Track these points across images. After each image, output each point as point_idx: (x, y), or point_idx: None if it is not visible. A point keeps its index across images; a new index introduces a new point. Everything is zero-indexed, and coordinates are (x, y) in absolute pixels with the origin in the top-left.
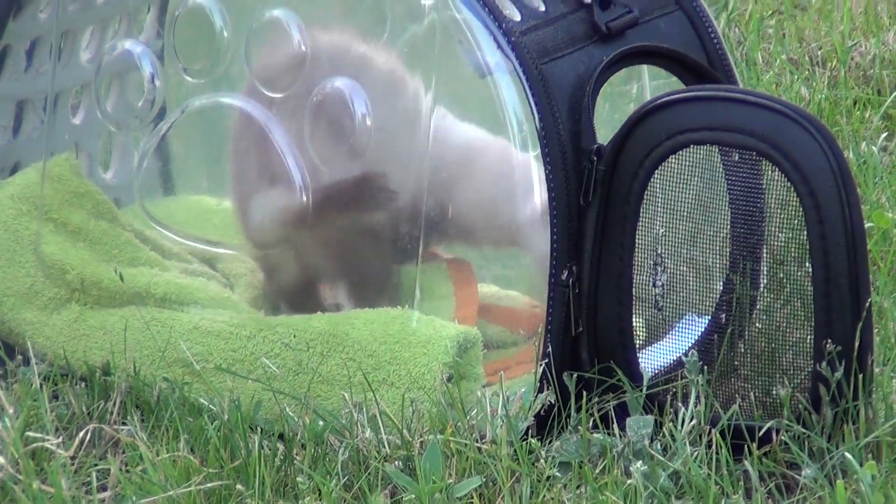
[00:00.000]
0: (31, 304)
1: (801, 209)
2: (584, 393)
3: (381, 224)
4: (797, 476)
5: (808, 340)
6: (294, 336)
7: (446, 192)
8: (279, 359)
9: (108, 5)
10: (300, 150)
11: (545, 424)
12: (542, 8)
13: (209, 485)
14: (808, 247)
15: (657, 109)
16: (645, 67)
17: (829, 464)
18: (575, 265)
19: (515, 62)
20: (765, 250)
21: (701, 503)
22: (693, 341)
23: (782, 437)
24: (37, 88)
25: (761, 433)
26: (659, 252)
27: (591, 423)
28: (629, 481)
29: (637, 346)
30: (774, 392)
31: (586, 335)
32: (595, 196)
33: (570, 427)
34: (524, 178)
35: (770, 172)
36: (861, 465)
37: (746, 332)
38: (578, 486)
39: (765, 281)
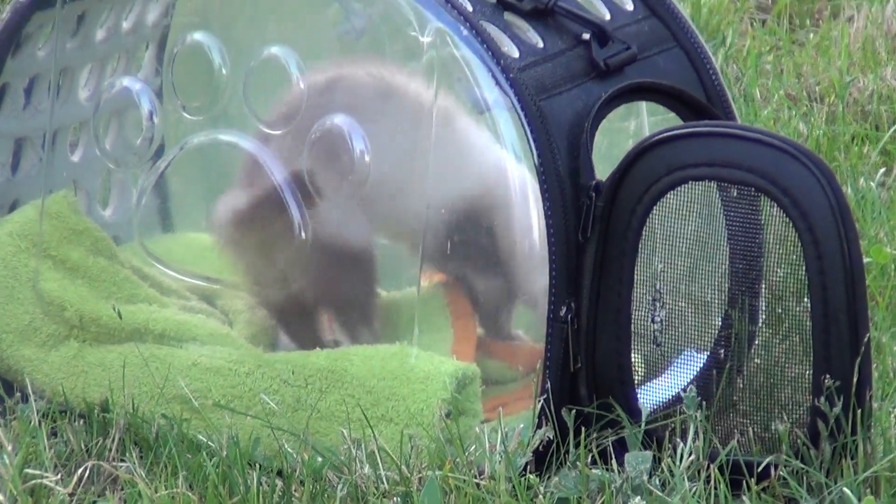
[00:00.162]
0: (29, 340)
1: (799, 245)
2: (583, 428)
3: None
4: None
5: (806, 376)
6: (293, 372)
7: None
8: (278, 395)
9: (107, 43)
10: (298, 187)
11: (544, 460)
12: (541, 44)
13: None
14: (806, 282)
15: (656, 145)
16: (643, 104)
17: (827, 499)
18: (573, 301)
19: (514, 98)
20: (763, 286)
21: None
22: (692, 377)
23: (781, 473)
24: (35, 126)
25: (760, 468)
26: (657, 288)
27: (589, 459)
28: None
29: (636, 381)
30: (773, 427)
31: (585, 371)
32: (594, 232)
33: (568, 463)
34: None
35: (768, 208)
36: (859, 501)
37: (745, 368)
38: None
39: (763, 316)
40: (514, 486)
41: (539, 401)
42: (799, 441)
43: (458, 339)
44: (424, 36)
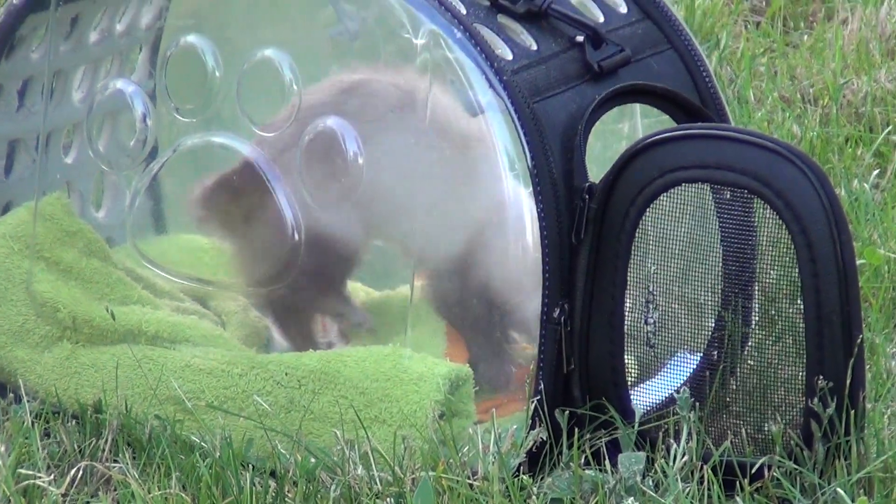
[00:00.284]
0: (22, 342)
1: (792, 247)
2: (576, 429)
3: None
4: None
5: (799, 377)
6: (286, 374)
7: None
8: (271, 396)
9: (100, 45)
10: (292, 189)
11: (537, 461)
12: (534, 47)
13: None
14: (799, 284)
15: (649, 148)
16: (637, 106)
17: (820, 499)
18: (567, 303)
19: (507, 101)
20: (757, 288)
21: None
22: (685, 378)
23: (774, 473)
24: (29, 128)
25: (753, 469)
26: (651, 290)
27: (582, 460)
28: None
29: (629, 383)
30: (766, 428)
31: (578, 373)
32: (587, 234)
33: (562, 463)
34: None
35: (762, 210)
36: (853, 501)
37: (738, 369)
38: None
39: (756, 318)
40: (507, 487)
41: (532, 402)
42: (792, 442)
43: (451, 341)
44: (418, 38)
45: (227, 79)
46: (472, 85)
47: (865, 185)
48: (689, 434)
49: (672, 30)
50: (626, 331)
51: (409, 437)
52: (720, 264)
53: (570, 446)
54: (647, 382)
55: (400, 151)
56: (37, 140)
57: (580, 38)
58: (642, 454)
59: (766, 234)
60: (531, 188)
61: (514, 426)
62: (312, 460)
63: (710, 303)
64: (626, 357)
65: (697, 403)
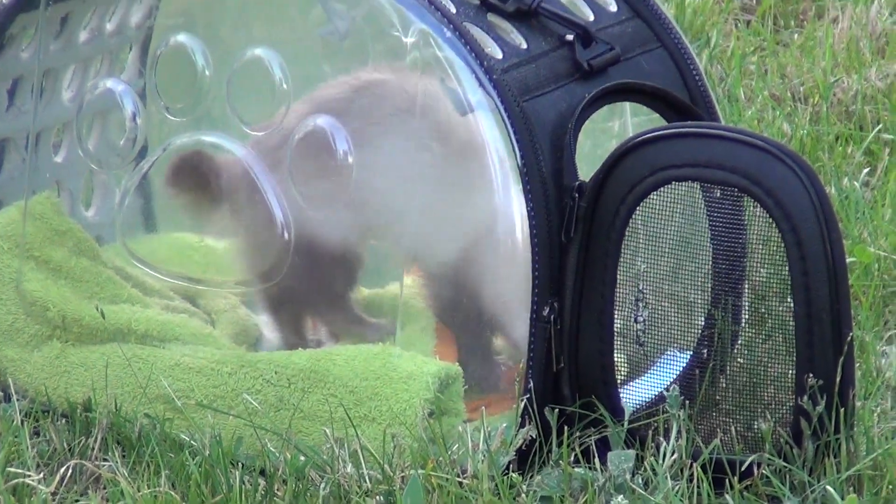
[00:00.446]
0: (12, 341)
1: (782, 245)
2: (566, 428)
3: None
4: None
5: (789, 375)
6: (275, 372)
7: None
8: (261, 395)
9: (90, 44)
10: (282, 188)
11: (526, 459)
12: (524, 45)
13: None
14: (789, 282)
15: (639, 146)
16: (627, 104)
17: (810, 497)
18: (556, 301)
19: (497, 100)
20: (746, 286)
21: None
22: (675, 376)
23: (764, 471)
24: (19, 127)
25: (743, 467)
26: (640, 288)
27: (572, 458)
28: None
29: (619, 381)
30: (756, 426)
31: (568, 371)
32: (577, 232)
33: (551, 461)
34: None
35: (752, 208)
36: (842, 499)
37: (728, 367)
38: None
39: (746, 316)
40: (496, 485)
41: (522, 400)
42: (782, 440)
43: (441, 340)
44: (408, 37)
45: (217, 78)
46: (461, 84)
47: (855, 183)
48: (679, 432)
49: (662, 28)
50: (615, 329)
51: (399, 436)
52: (710, 262)
53: (559, 444)
54: (637, 380)
55: (402, 154)
56: (26, 139)
57: (570, 37)
58: (632, 452)
59: (756, 232)
60: (521, 187)
61: (504, 424)
62: (302, 458)
63: (699, 301)
64: (615, 355)
65: (687, 401)
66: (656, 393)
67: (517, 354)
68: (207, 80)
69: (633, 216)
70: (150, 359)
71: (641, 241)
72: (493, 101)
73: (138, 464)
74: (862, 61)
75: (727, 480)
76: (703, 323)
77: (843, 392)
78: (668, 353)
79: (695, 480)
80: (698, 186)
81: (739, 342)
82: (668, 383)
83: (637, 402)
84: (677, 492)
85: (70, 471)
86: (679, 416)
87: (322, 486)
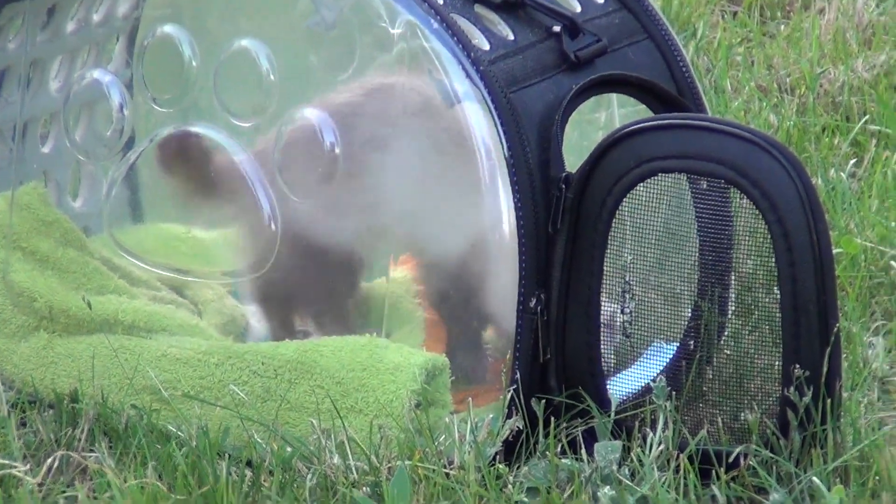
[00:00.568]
0: None
1: (769, 236)
2: (553, 419)
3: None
4: (765, 501)
5: (776, 366)
6: (262, 363)
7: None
8: (247, 386)
9: (77, 35)
10: (269, 180)
11: (513, 450)
12: (511, 37)
13: None
14: (776, 273)
15: (626, 137)
16: (614, 95)
17: (796, 488)
18: (543, 293)
19: (484, 91)
20: (733, 277)
21: None
22: (661, 368)
23: (750, 462)
24: (5, 118)
25: (729, 458)
26: (627, 279)
27: (559, 449)
28: None
29: (605, 372)
30: (742, 417)
31: (554, 362)
32: (563, 224)
33: (538, 452)
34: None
35: (738, 200)
36: (829, 490)
37: (715, 358)
38: None
39: (733, 307)
40: (483, 476)
41: (509, 391)
42: (768, 431)
43: (430, 332)
44: (395, 28)
45: (205, 69)
46: (448, 75)
47: (842, 174)
48: (666, 423)
49: (649, 19)
50: (602, 320)
51: (386, 427)
52: (697, 254)
53: (546, 435)
54: (624, 372)
55: (415, 157)
56: (13, 130)
57: (557, 29)
58: (618, 443)
59: (742, 223)
60: (508, 178)
61: (491, 415)
62: (289, 449)
63: (686, 292)
64: (602, 346)
65: (674, 392)
66: (643, 384)
67: (506, 346)
68: (194, 71)
69: (620, 207)
70: (136, 350)
71: (628, 232)
72: (480, 92)
73: (125, 455)
74: (849, 52)
75: (714, 471)
76: (689, 314)
77: (829, 383)
78: (655, 344)
79: (681, 471)
80: (685, 178)
81: (726, 333)
82: (655, 374)
83: (624, 393)
84: (664, 483)
85: (56, 462)
86: (666, 407)
87: (309, 477)
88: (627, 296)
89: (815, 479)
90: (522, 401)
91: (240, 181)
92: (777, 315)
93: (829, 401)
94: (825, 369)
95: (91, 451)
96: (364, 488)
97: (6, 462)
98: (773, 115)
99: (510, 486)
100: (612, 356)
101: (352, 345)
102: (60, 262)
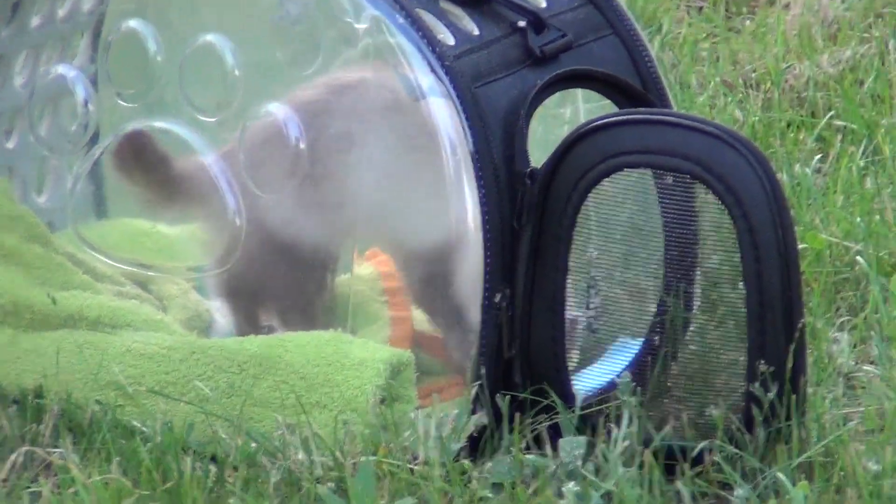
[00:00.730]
0: None
1: (734, 232)
2: (518, 414)
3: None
4: (730, 496)
5: (741, 361)
6: (227, 359)
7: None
8: (212, 381)
9: (42, 30)
10: (235, 174)
11: (478, 446)
12: (476, 32)
13: None
14: (741, 269)
15: (591, 133)
16: (579, 91)
17: (761, 484)
18: (508, 288)
19: (449, 86)
20: (698, 272)
21: None
22: (627, 363)
23: (715, 458)
24: None
25: (694, 453)
26: (592, 275)
27: (524, 444)
28: (562, 502)
29: (570, 368)
30: (707, 412)
31: (519, 358)
32: (529, 219)
33: (502, 448)
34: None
35: (703, 195)
36: (793, 486)
37: (680, 354)
38: None
39: (698, 303)
40: (447, 472)
41: (473, 387)
42: (733, 426)
43: (395, 328)
44: (360, 23)
45: (169, 64)
46: (413, 70)
47: (807, 169)
48: (630, 419)
49: (614, 15)
50: (567, 316)
51: (350, 422)
52: (662, 249)
53: (511, 431)
54: (589, 367)
55: (386, 152)
56: None
57: (522, 24)
58: (583, 439)
59: (708, 219)
60: (473, 173)
61: (455, 411)
62: (253, 445)
63: (652, 288)
64: (567, 342)
65: (639, 388)
66: (608, 380)
67: (471, 341)
68: (159, 67)
69: (585, 203)
70: (101, 345)
71: (593, 227)
72: (445, 87)
73: (89, 450)
74: (814, 48)
75: (678, 467)
76: (655, 310)
77: (794, 379)
78: (620, 339)
79: (646, 467)
80: (650, 173)
81: (691, 329)
82: (620, 370)
83: (589, 388)
84: (628, 478)
85: (21, 458)
86: (631, 402)
87: (273, 472)
88: (593, 291)
89: (779, 474)
90: (487, 396)
91: (204, 176)
92: (742, 311)
93: (794, 396)
94: (790, 365)
95: (55, 446)
96: (329, 484)
97: None
98: (738, 110)
99: (475, 482)
100: (577, 352)
101: (316, 340)
102: (25, 257)
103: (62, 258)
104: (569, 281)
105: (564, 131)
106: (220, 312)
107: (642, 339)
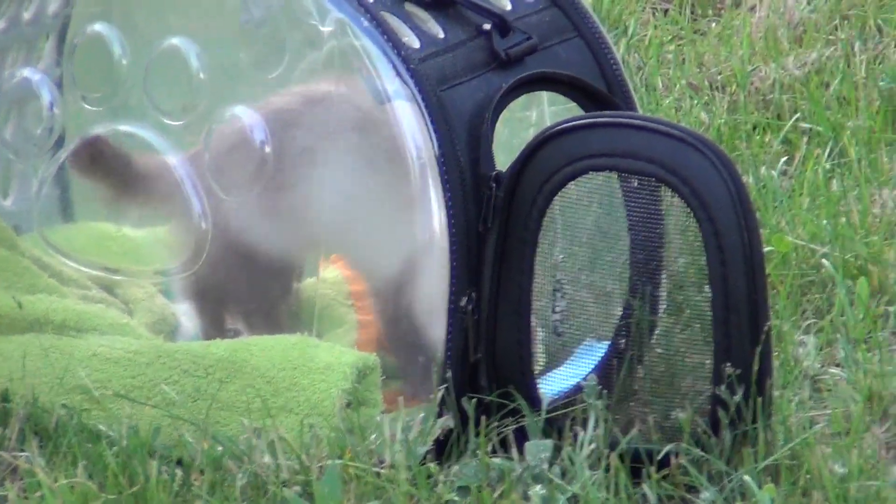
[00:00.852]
0: None
1: (700, 235)
2: (484, 418)
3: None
4: (696, 499)
5: (707, 364)
6: (193, 362)
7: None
8: (178, 385)
9: (7, 34)
10: (200, 178)
11: (444, 449)
12: (442, 35)
13: None
14: (707, 272)
15: (556, 136)
16: (544, 93)
17: (727, 487)
18: (474, 292)
19: (414, 89)
20: (664, 275)
21: None
22: (593, 366)
23: (681, 461)
24: None
25: (660, 456)
26: (558, 278)
27: (490, 448)
28: None
29: (536, 371)
30: (674, 415)
31: (486, 361)
32: (494, 222)
33: (469, 452)
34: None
35: (669, 198)
36: (760, 488)
37: (646, 357)
38: None
39: (664, 306)
40: (414, 475)
41: (439, 391)
42: (699, 429)
43: (361, 332)
44: (325, 26)
45: (135, 67)
46: (378, 73)
47: (773, 172)
48: (597, 422)
49: (579, 17)
50: (533, 319)
51: (316, 426)
52: (628, 252)
53: (477, 434)
54: (555, 370)
55: (349, 168)
56: None
57: (487, 27)
58: (549, 442)
59: (673, 222)
60: (438, 176)
61: (422, 415)
62: (219, 448)
63: (617, 291)
64: (533, 345)
65: (605, 391)
66: (574, 383)
67: (437, 345)
68: (125, 70)
69: (551, 206)
70: (67, 349)
71: (559, 230)
72: (410, 90)
73: (55, 454)
74: (780, 50)
75: (645, 470)
76: (620, 313)
77: (760, 381)
78: (586, 343)
79: (612, 470)
80: (616, 176)
81: (657, 332)
82: (586, 373)
83: (555, 392)
84: (595, 481)
85: None
86: (597, 405)
87: (239, 476)
88: (558, 294)
89: (746, 477)
90: (453, 400)
91: (169, 179)
92: (708, 313)
93: (760, 399)
94: (756, 368)
95: (21, 450)
96: (295, 487)
97: None
98: (704, 112)
99: (441, 485)
100: (544, 355)
101: (283, 344)
102: None
103: (28, 262)
104: (534, 284)
105: (530, 134)
106: (186, 316)
107: (608, 343)
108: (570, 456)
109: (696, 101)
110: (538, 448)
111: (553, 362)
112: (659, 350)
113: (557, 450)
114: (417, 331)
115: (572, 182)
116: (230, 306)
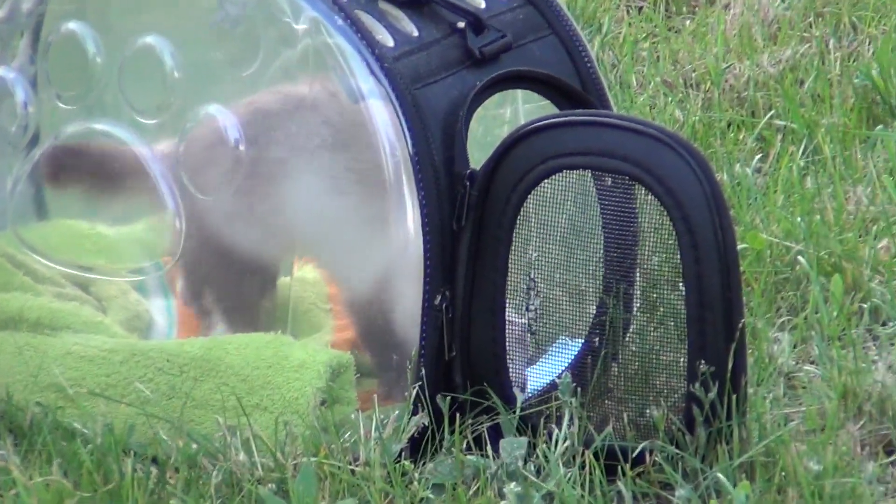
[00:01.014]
0: None
1: (674, 233)
2: (458, 415)
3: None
4: (671, 497)
5: (681, 362)
6: (167, 360)
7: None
8: (153, 383)
9: None
10: (174, 176)
11: (419, 447)
12: (416, 33)
13: None
14: (681, 269)
15: (530, 134)
16: (519, 91)
17: (702, 484)
18: (448, 290)
19: (388, 88)
20: (638, 273)
21: None
22: (567, 364)
23: (656, 458)
24: None
25: (635, 454)
26: (532, 276)
27: (464, 445)
28: (503, 503)
29: (510, 369)
30: (648, 413)
31: (460, 359)
32: (468, 220)
33: (443, 449)
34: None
35: (643, 196)
36: (734, 486)
37: (620, 354)
38: None
39: (638, 304)
40: (388, 473)
41: (414, 388)
42: (674, 427)
43: (337, 334)
44: (299, 24)
45: (109, 65)
46: (353, 72)
47: (748, 169)
48: (571, 419)
49: (554, 15)
50: (507, 317)
51: (291, 424)
52: (602, 250)
53: (451, 432)
54: (529, 368)
55: (327, 172)
56: None
57: (461, 25)
58: (524, 439)
59: (647, 220)
60: (413, 175)
61: (396, 412)
62: (194, 446)
63: (591, 289)
64: (507, 343)
65: (579, 389)
66: (549, 381)
67: (412, 343)
68: (99, 68)
69: (525, 204)
70: (41, 347)
71: (533, 229)
72: (384, 89)
73: (30, 452)
74: (754, 47)
75: (619, 467)
76: (595, 311)
77: (735, 379)
78: (560, 341)
79: (587, 468)
80: (589, 174)
81: (631, 330)
82: (561, 371)
83: (529, 389)
84: (569, 479)
85: None
86: (571, 403)
87: (214, 473)
88: (532, 292)
89: (720, 475)
90: (428, 397)
91: (143, 178)
92: (682, 311)
93: (734, 397)
94: (731, 365)
95: None
96: (270, 485)
97: None
98: (678, 110)
99: (416, 483)
100: (518, 353)
101: (257, 342)
102: None
103: (2, 260)
104: (508, 282)
105: (504, 132)
106: (159, 312)
107: (582, 340)
108: (545, 453)
109: (670, 99)
110: (513, 445)
111: (527, 360)
112: (633, 348)
113: (532, 447)
114: (392, 329)
115: (546, 180)
116: (208, 300)
